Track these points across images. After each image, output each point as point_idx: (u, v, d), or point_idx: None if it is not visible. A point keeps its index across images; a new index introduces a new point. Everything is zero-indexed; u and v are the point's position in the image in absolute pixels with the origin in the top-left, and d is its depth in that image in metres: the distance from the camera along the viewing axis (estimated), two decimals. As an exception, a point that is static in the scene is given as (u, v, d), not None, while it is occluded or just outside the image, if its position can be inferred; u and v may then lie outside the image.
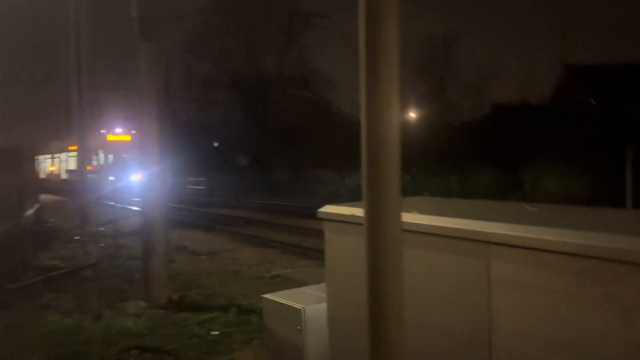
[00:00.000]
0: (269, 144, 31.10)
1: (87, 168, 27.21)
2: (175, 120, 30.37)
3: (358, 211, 3.19)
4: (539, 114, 29.19)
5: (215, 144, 35.08)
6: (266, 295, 4.28)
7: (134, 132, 30.42)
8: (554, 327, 2.09)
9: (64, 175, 35.23)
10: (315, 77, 33.32)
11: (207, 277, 8.49)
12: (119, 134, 31.57)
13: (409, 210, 2.87)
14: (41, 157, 38.16)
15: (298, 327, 3.87)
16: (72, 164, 30.67)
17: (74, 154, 30.01)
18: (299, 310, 3.86)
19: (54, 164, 39.55)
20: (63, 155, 36.32)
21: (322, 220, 3.53)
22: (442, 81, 25.55)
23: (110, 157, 31.06)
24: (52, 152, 39.18)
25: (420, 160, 22.93)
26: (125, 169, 28.50)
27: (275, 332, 4.20)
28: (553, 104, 33.75)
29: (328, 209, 3.53)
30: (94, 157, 30.65)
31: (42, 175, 36.88)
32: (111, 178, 28.72)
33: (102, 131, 30.92)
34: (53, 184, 33.15)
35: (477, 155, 21.86)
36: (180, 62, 32.76)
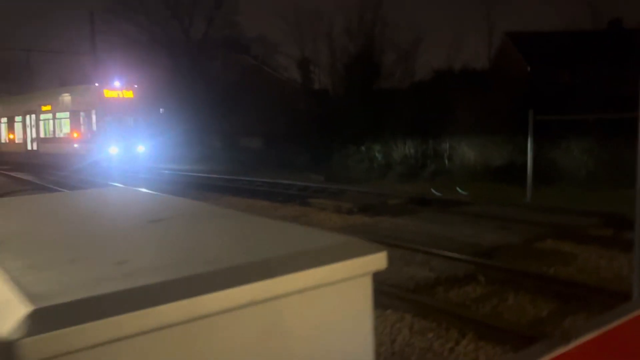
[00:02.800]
0: (202, 111, 29.62)
1: (74, 135, 21.74)
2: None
3: None
4: (477, 81, 29.00)
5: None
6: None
7: (136, 86, 22.49)
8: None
9: (30, 145, 25.41)
10: (247, 40, 31.98)
11: None
12: (118, 88, 21.81)
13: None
14: None
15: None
16: (44, 130, 24.18)
17: (48, 115, 23.59)
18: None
19: (13, 130, 27.43)
20: (29, 118, 25.36)
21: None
22: (373, 45, 24.66)
23: (109, 119, 21.43)
24: (10, 114, 27.98)
25: (348, 129, 22.28)
26: (130, 136, 21.26)
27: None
28: (492, 70, 33.63)
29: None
30: (85, 120, 21.88)
31: None
32: (113, 149, 20.83)
33: (95, 84, 21.74)
34: (11, 157, 26.05)
35: (407, 123, 21.34)
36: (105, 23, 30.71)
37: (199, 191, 14.55)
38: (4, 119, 28.01)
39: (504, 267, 6.01)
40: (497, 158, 15.77)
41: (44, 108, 23.82)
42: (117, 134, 20.88)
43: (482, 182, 14.57)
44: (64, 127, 22.77)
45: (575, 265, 6.34)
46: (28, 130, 25.40)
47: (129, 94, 21.94)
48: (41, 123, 24.34)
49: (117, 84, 21.81)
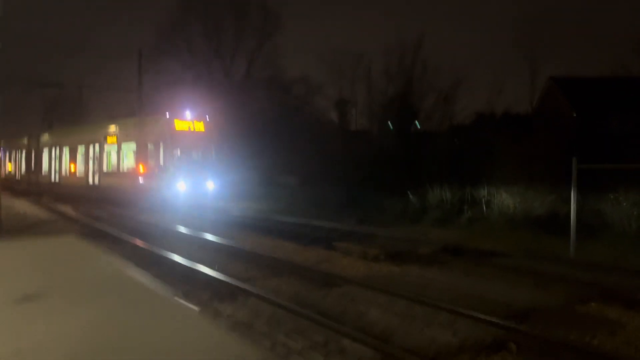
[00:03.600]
0: (244, 148, 29.81)
1: (140, 169, 20.26)
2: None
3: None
4: (519, 125, 28.19)
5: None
6: None
7: (208, 119, 20.97)
8: None
9: (92, 179, 23.80)
10: (287, 79, 32.35)
11: None
12: (189, 120, 20.15)
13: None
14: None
15: None
16: (108, 162, 22.65)
17: (113, 147, 22.14)
18: None
19: (74, 161, 25.44)
20: (92, 150, 23.83)
21: None
22: (412, 87, 24.36)
23: (177, 152, 19.86)
24: (72, 144, 25.94)
25: (384, 170, 21.83)
26: (199, 172, 19.61)
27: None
28: (535, 115, 32.68)
29: None
30: (153, 153, 20.21)
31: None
32: (181, 185, 19.12)
33: (165, 115, 20.06)
34: (68, 189, 24.88)
35: (445, 167, 20.73)
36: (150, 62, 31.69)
37: (228, 229, 14.33)
38: (66, 148, 26.21)
39: (540, 334, 5.35)
40: (538, 207, 14.90)
41: (109, 139, 22.49)
42: (186, 169, 19.43)
43: (521, 232, 13.73)
44: (130, 159, 21.32)
45: (623, 335, 5.60)
46: (90, 162, 23.85)
47: (200, 127, 20.37)
48: (105, 155, 22.88)
49: (188, 115, 20.19)
